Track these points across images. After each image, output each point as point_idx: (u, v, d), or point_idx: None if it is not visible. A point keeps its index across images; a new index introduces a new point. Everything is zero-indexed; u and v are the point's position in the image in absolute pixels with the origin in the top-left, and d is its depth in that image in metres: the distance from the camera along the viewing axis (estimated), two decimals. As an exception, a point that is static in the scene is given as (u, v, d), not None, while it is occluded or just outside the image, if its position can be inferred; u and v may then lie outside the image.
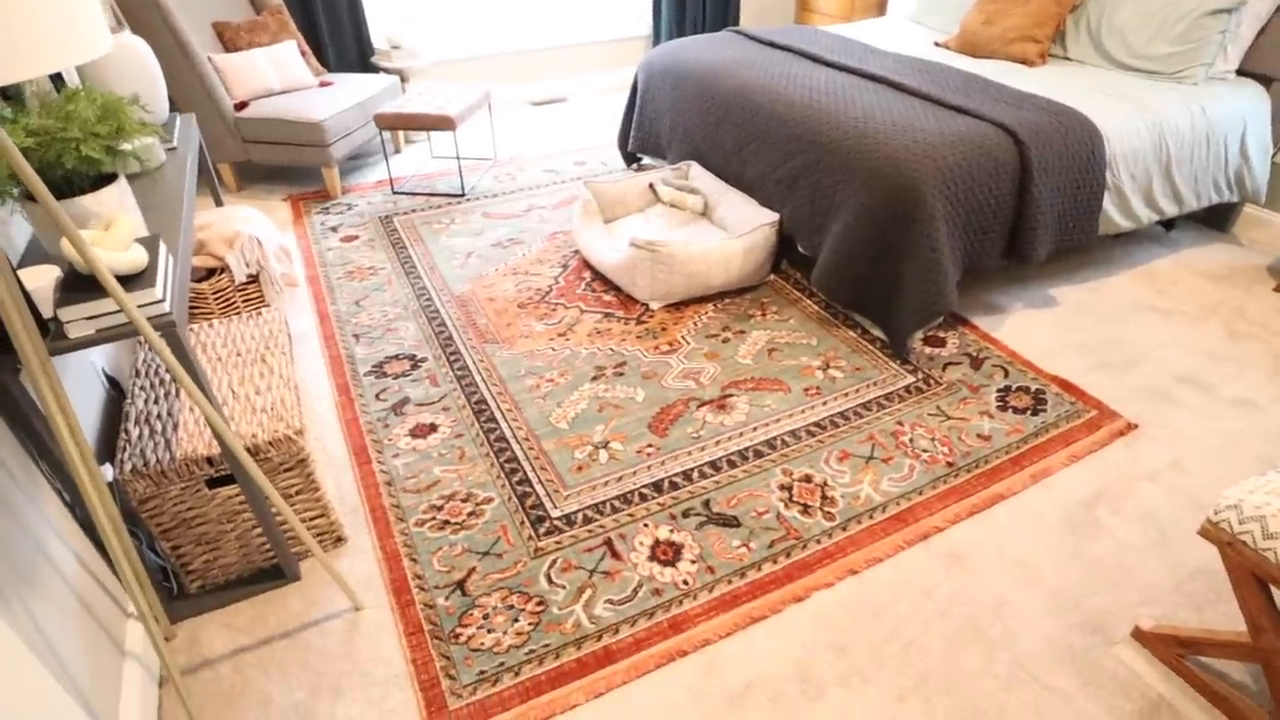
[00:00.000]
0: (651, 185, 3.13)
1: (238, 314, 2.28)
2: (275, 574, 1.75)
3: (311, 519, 1.77)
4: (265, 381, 1.75)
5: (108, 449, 1.72)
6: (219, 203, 2.43)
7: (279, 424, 1.63)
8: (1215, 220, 3.20)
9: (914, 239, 2.23)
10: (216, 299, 2.20)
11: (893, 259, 2.29)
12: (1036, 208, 2.36)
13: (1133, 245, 3.10)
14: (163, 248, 1.41)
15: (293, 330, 2.59)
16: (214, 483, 1.60)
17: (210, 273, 2.18)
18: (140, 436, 1.58)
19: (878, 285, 2.36)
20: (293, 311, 2.66)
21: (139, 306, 1.26)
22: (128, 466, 1.50)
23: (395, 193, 3.55)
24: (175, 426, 1.61)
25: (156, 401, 1.68)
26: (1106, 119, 2.53)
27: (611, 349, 2.50)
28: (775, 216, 2.73)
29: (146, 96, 1.95)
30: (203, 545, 1.67)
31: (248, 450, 1.59)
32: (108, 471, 1.43)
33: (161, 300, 1.29)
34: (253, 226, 2.25)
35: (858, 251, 2.38)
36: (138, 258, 1.29)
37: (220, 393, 1.71)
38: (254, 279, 2.25)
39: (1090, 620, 1.68)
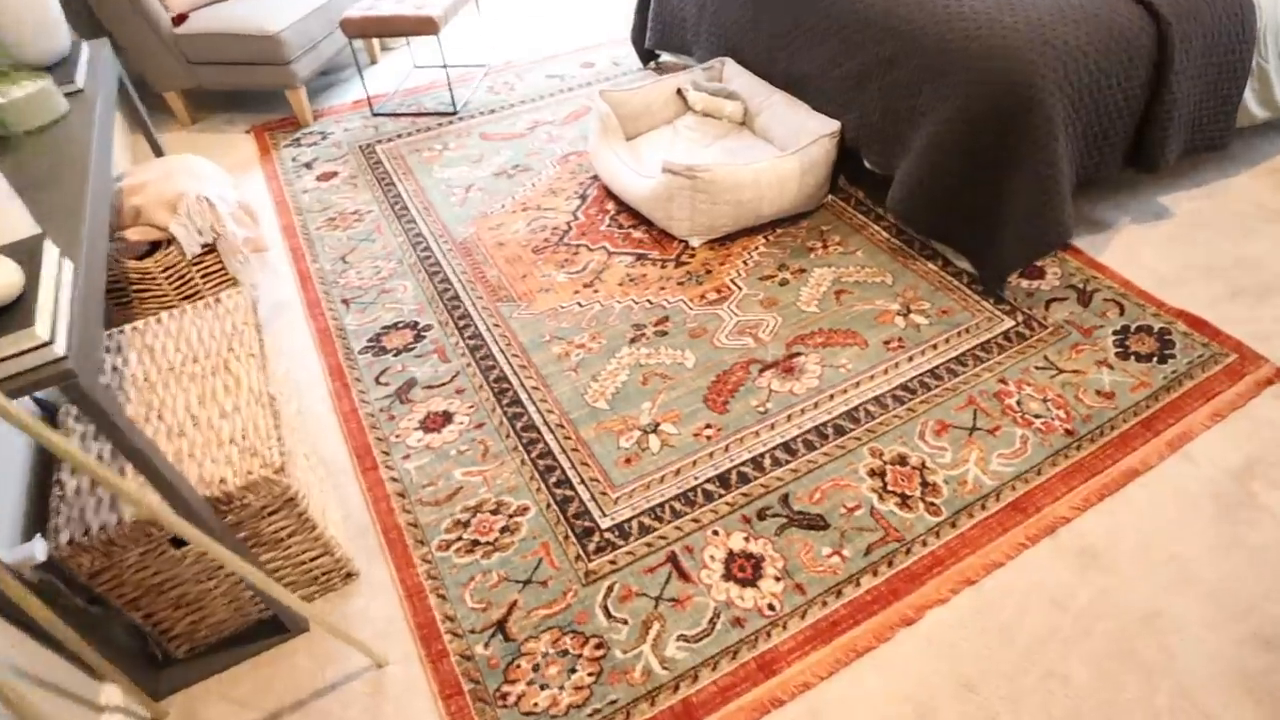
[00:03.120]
0: (680, 91, 2.65)
1: (199, 297, 1.90)
2: (277, 627, 1.45)
3: (312, 559, 1.45)
4: (232, 398, 1.39)
5: (38, 512, 1.35)
6: (158, 151, 1.99)
7: (253, 460, 1.28)
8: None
9: (1025, 152, 1.80)
10: (169, 279, 1.81)
11: (995, 178, 1.87)
12: (1173, 102, 1.91)
13: (1255, 136, 2.63)
14: (50, 253, 1.01)
15: (271, 299, 2.21)
16: (182, 541, 1.27)
17: (155, 246, 1.78)
18: (78, 491, 1.24)
19: (974, 212, 1.95)
20: (268, 279, 2.27)
21: (5, 359, 0.88)
22: (63, 537, 1.17)
23: (375, 114, 3.06)
24: (124, 469, 1.27)
25: (98, 436, 1.33)
26: (1253, -17, 2.03)
27: (649, 301, 2.11)
28: (836, 125, 2.28)
29: (17, 23, 1.48)
30: (182, 608, 1.36)
31: (218, 499, 1.25)
32: (37, 549, 1.10)
33: (49, 343, 0.90)
34: (201, 183, 1.83)
35: (948, 169, 1.95)
36: (4, 280, 0.90)
37: (177, 418, 1.36)
38: (211, 248, 1.85)
39: (1262, 632, 1.38)
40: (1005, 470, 1.64)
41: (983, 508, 1.58)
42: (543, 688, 1.35)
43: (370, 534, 1.62)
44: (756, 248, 2.27)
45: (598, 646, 1.40)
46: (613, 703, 1.32)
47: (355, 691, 1.38)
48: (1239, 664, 1.34)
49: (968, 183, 1.92)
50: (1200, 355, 1.87)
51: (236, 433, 1.33)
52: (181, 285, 1.85)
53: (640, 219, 2.40)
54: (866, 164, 2.27)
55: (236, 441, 1.32)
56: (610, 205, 2.48)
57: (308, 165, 2.77)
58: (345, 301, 2.18)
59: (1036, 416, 1.74)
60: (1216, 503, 1.58)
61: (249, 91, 3.27)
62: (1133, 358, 1.87)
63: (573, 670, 1.37)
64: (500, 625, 1.44)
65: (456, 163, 2.74)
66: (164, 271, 1.80)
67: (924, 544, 1.52)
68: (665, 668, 1.36)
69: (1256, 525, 1.53)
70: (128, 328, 1.54)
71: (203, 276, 1.88)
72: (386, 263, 2.31)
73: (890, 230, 2.30)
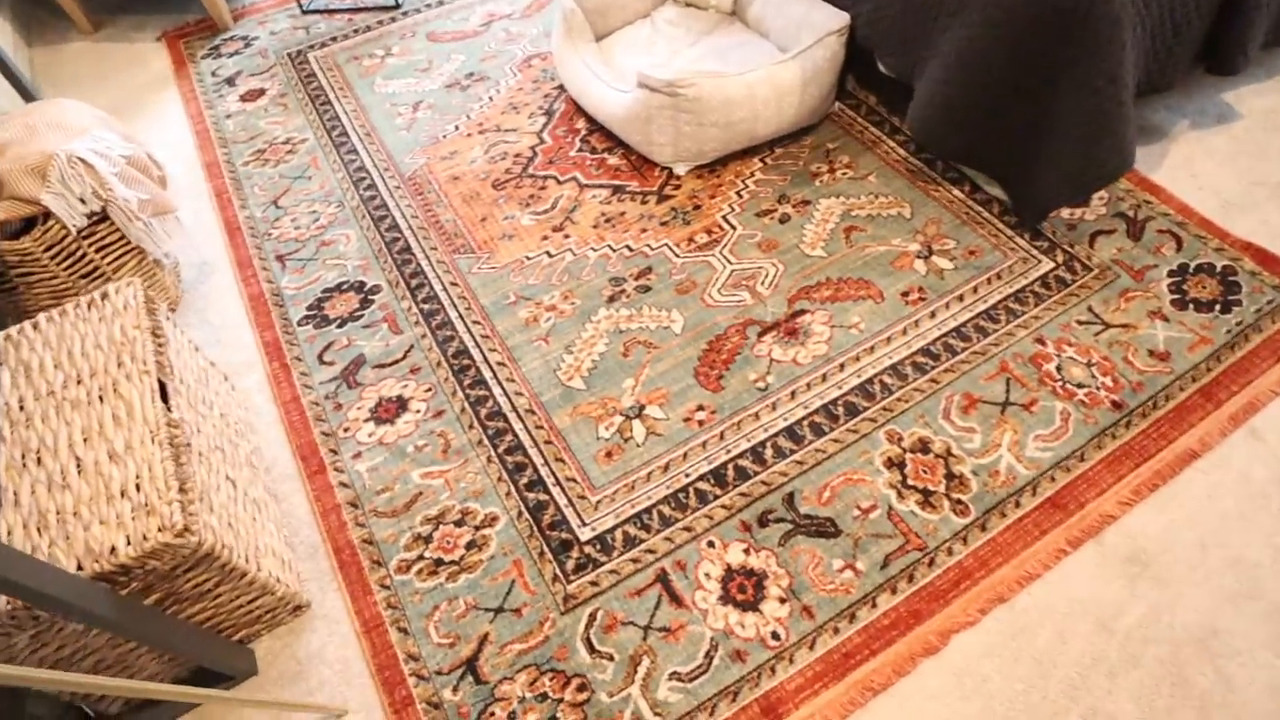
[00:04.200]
0: (657, -23, 2.23)
1: (100, 275, 1.61)
2: (219, 675, 1.28)
3: (250, 602, 1.26)
4: (123, 434, 1.15)
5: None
6: (26, 96, 1.63)
7: (149, 521, 1.06)
8: None
9: (1082, 62, 1.46)
10: (57, 259, 1.52)
11: (1043, 95, 1.54)
12: (1264, -9, 1.55)
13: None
14: None
15: (196, 259, 1.91)
16: (77, 620, 1.07)
17: (29, 224, 1.47)
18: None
19: (1013, 137, 1.63)
20: (189, 235, 1.95)
21: None
22: (-78, 645, 0.96)
23: (305, 11, 2.61)
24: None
25: (-37, 495, 1.10)
26: None
27: (629, 247, 1.83)
28: (845, 18, 1.90)
29: None
30: (101, 672, 1.18)
31: (112, 574, 1.04)
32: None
33: None
34: (73, 138, 1.50)
35: (983, 82, 1.61)
36: None
37: (59, 462, 1.12)
38: (104, 215, 1.54)
39: (1336, 648, 1.21)
40: (1043, 456, 1.43)
41: (1017, 505, 1.37)
42: (519, 742, 1.19)
43: (321, 554, 1.42)
44: (752, 174, 1.95)
45: (580, 689, 1.23)
46: (598, 760, 1.17)
47: (309, 751, 1.22)
48: (1307, 689, 1.18)
49: (1007, 101, 1.59)
50: (1270, 301, 1.61)
51: (129, 482, 1.10)
52: (75, 264, 1.56)
53: (616, 140, 2.06)
54: (882, 67, 1.91)
55: (129, 494, 1.09)
56: (581, 123, 2.13)
57: (230, 81, 2.38)
58: (280, 259, 1.89)
59: (1079, 386, 1.51)
60: (1285, 489, 1.37)
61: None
62: (1191, 306, 1.61)
63: (553, 719, 1.21)
64: (470, 664, 1.27)
65: (401, 72, 2.35)
66: (47, 251, 1.50)
67: (949, 552, 1.33)
68: (657, 713, 1.20)
69: (1331, 516, 1.34)
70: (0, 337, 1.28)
71: (99, 250, 1.58)
72: (325, 206, 1.99)
73: (908, 147, 1.97)
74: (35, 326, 1.29)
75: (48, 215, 1.48)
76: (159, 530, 1.05)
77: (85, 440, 1.15)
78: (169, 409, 1.21)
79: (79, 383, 1.22)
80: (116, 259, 1.63)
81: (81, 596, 0.96)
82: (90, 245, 1.55)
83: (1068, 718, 1.17)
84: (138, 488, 1.09)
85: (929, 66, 1.73)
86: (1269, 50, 2.03)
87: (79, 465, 1.12)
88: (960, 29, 1.62)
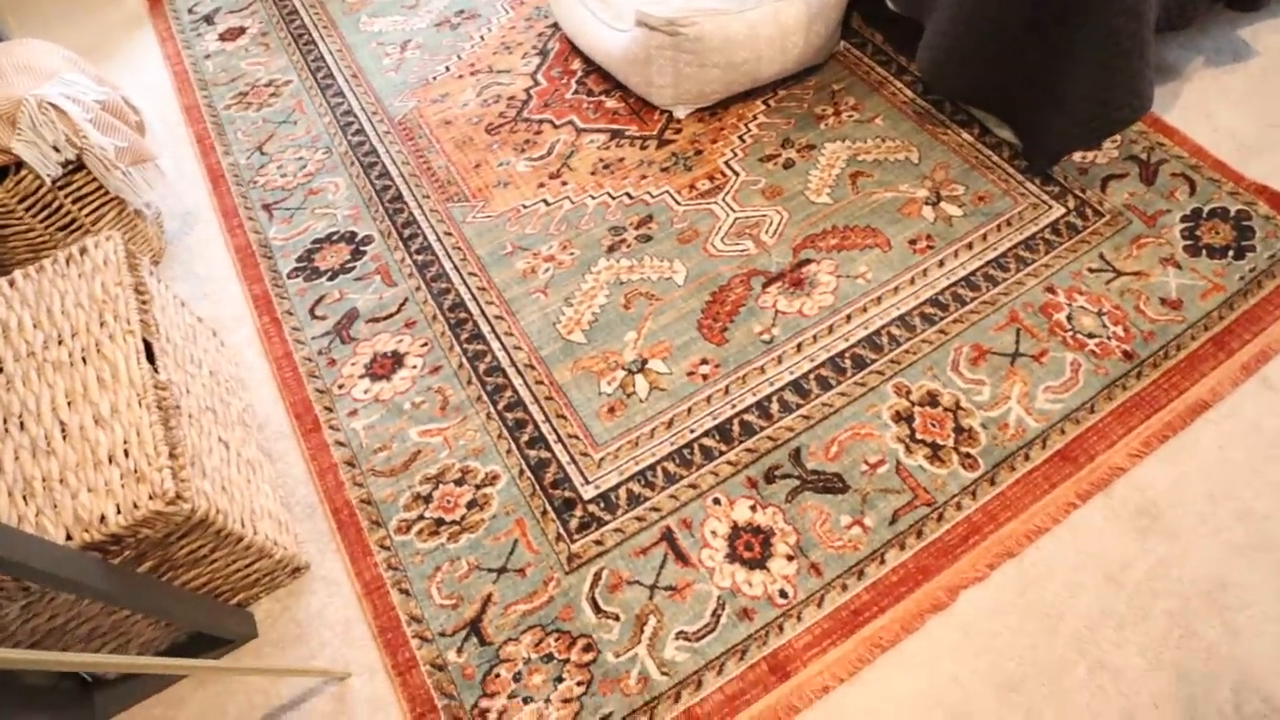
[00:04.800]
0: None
1: (79, 227, 1.54)
2: (218, 639, 1.27)
3: (246, 566, 1.23)
4: (109, 396, 1.10)
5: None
6: (-10, 37, 1.54)
7: (139, 489, 1.02)
8: None
9: None
10: (31, 210, 1.44)
11: (1057, 33, 1.47)
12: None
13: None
14: None
15: (180, 209, 1.84)
16: (71, 588, 1.04)
17: (3, 171, 1.40)
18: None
19: (1026, 78, 1.56)
20: (167, 186, 1.87)
21: None
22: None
23: (283, -56, 2.48)
24: (-18, 510, 1.01)
25: (-55, 463, 1.06)
26: None
27: (629, 194, 1.76)
28: (850, -47, 1.81)
29: None
30: (96, 639, 1.16)
31: (103, 543, 1.01)
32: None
33: None
34: (42, 81, 1.41)
35: (996, 17, 1.53)
36: None
37: (43, 426, 1.08)
38: (80, 165, 1.47)
39: (1344, 599, 1.21)
40: (1053, 408, 1.40)
41: (1026, 458, 1.35)
42: (526, 701, 1.19)
43: (319, 515, 1.40)
44: (755, 117, 1.88)
45: (586, 649, 1.23)
46: (606, 717, 1.17)
47: (316, 711, 1.21)
48: (1314, 640, 1.18)
49: (1020, 39, 1.52)
50: (1285, 247, 1.57)
51: (117, 447, 1.06)
52: (51, 216, 1.49)
53: (614, 82, 1.98)
54: (890, 4, 1.83)
55: (118, 460, 1.05)
56: (576, 64, 2.04)
57: (208, 19, 2.27)
58: (267, 208, 1.82)
59: (1090, 336, 1.48)
60: (1296, 439, 1.36)
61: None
62: (1204, 253, 1.57)
63: (559, 679, 1.20)
64: (474, 625, 1.26)
65: (388, 9, 2.24)
66: (21, 203, 1.43)
67: (958, 507, 1.31)
68: (664, 673, 1.20)
69: (1342, 467, 1.33)
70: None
71: (76, 201, 1.51)
72: (313, 153, 1.91)
73: (915, 88, 1.90)
74: (12, 284, 1.24)
75: (20, 165, 1.40)
76: (150, 498, 1.02)
77: (69, 404, 1.11)
78: (156, 369, 1.16)
79: (60, 343, 1.17)
80: (95, 210, 1.56)
81: (72, 569, 0.93)
82: (67, 196, 1.49)
83: (1075, 671, 1.17)
84: (126, 453, 1.06)
85: (940, 3, 1.64)
86: (1292, -16, 1.95)
87: (64, 430, 1.08)
88: (976, -39, 1.53)
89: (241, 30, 2.22)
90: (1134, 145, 1.75)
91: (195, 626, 1.16)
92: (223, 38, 2.21)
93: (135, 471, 1.04)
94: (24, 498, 1.03)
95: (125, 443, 1.06)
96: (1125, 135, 1.76)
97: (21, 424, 1.10)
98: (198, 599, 1.18)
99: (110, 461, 1.05)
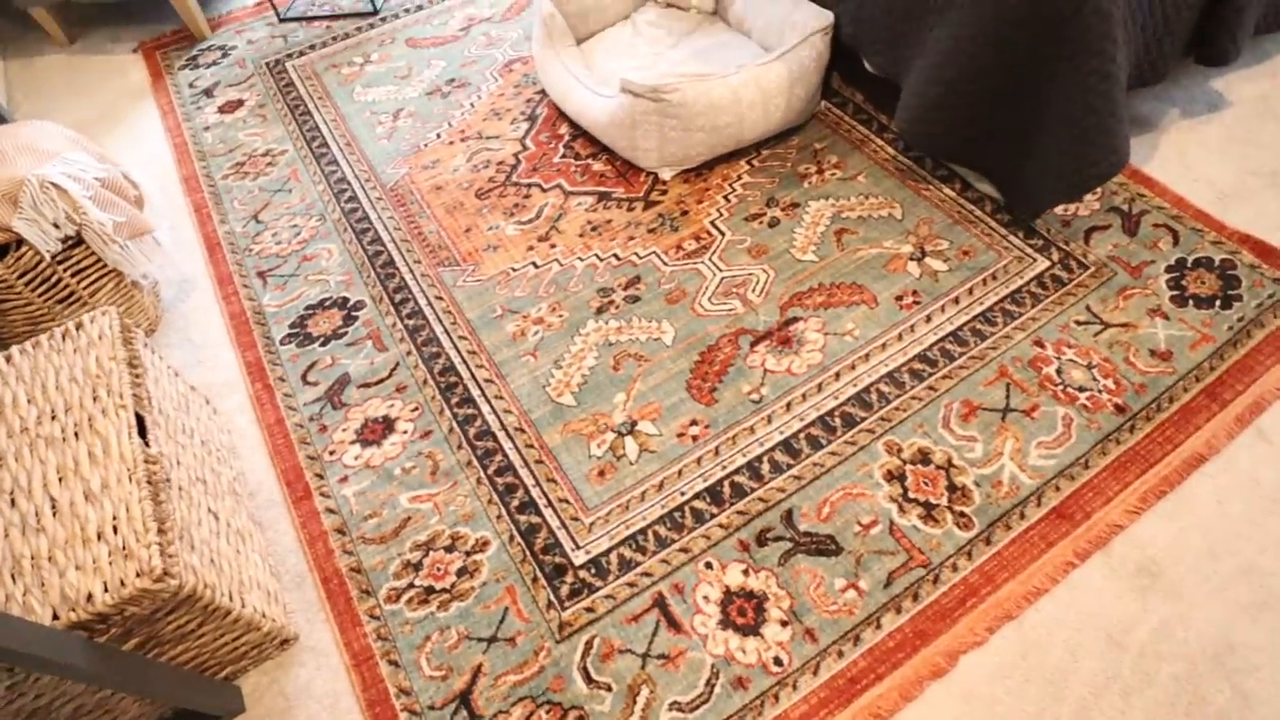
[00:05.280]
0: (638, -23, 2.18)
1: (77, 300, 1.56)
2: (205, 716, 1.24)
3: (235, 639, 1.22)
4: (99, 472, 1.11)
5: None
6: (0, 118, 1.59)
7: (127, 566, 1.02)
8: None
9: (1073, 60, 1.43)
10: (32, 285, 1.47)
11: (1033, 95, 1.51)
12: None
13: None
14: None
15: (176, 276, 1.87)
16: (52, 670, 1.03)
17: (4, 249, 1.43)
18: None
19: (1004, 138, 1.60)
20: (164, 255, 1.89)
21: None
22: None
23: (283, 20, 2.56)
24: (-35, 592, 1.01)
25: (-70, 544, 1.06)
26: None
27: (616, 256, 1.79)
28: (828, 17, 1.86)
29: None
30: (81, 717, 1.14)
31: (89, 622, 1.00)
32: None
33: None
34: (44, 161, 1.45)
35: (973, 80, 1.57)
36: None
37: (33, 503, 1.08)
38: (79, 240, 1.49)
39: (1351, 657, 1.18)
40: (1046, 464, 1.39)
41: (1021, 516, 1.34)
42: (517, 778, 1.16)
43: (308, 583, 1.38)
44: (739, 177, 1.91)
45: (578, 721, 1.20)
46: (599, 794, 1.14)
47: (301, 792, 1.19)
48: (1323, 701, 1.15)
49: (997, 101, 1.55)
50: (1271, 295, 1.58)
51: (106, 523, 1.06)
52: (50, 290, 1.51)
53: (601, 146, 2.02)
54: (868, 66, 1.87)
55: (106, 538, 1.05)
56: (564, 128, 2.08)
57: (208, 93, 2.33)
58: (261, 275, 1.84)
59: (1081, 390, 1.48)
60: (1293, 491, 1.35)
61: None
62: (1191, 303, 1.58)
63: (550, 754, 1.18)
64: (464, 697, 1.24)
65: (381, 80, 2.31)
66: (21, 278, 1.46)
67: (954, 568, 1.30)
68: (657, 745, 1.17)
69: (1341, 518, 1.31)
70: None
71: (75, 275, 1.54)
72: (307, 220, 1.95)
73: (897, 145, 1.93)
74: (9, 360, 1.25)
75: (20, 242, 1.43)
76: (137, 575, 1.01)
77: (60, 480, 1.11)
78: (147, 443, 1.17)
79: (53, 418, 1.17)
80: (93, 282, 1.58)
81: (57, 650, 0.91)
82: (66, 270, 1.51)
83: (1079, 737, 1.14)
84: (115, 529, 1.05)
85: (916, 65, 1.69)
86: (1256, 37, 1.99)
87: (54, 506, 1.08)
88: (947, 27, 1.58)
89: (240, 103, 2.28)
90: (1115, 197, 1.77)
91: (181, 704, 1.14)
92: (222, 110, 2.26)
93: (123, 548, 1.03)
94: (12, 576, 1.02)
95: (114, 519, 1.06)
96: (1106, 187, 1.79)
97: (13, 500, 1.10)
98: (184, 675, 1.16)
99: (99, 538, 1.05)
